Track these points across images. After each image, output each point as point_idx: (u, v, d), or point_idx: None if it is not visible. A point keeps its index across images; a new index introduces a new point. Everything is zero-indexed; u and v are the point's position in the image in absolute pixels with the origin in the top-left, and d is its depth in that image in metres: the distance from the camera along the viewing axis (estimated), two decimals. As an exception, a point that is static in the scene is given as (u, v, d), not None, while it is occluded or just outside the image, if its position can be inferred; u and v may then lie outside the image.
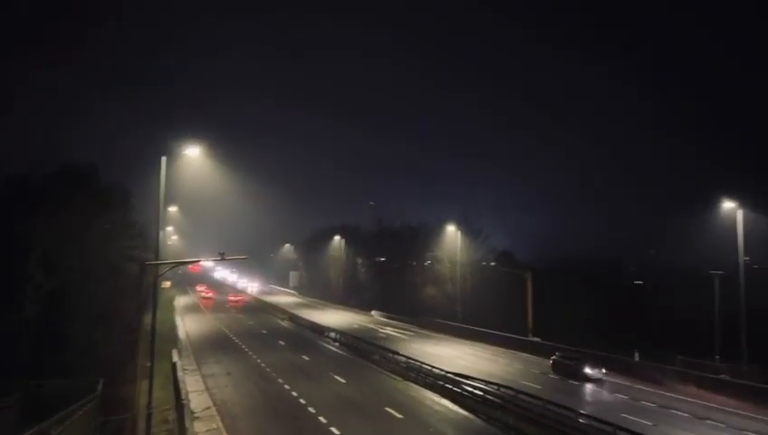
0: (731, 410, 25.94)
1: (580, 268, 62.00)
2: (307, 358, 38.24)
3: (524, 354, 42.45)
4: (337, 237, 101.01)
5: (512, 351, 43.89)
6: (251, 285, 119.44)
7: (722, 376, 31.09)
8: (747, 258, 37.40)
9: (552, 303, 50.89)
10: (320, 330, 52.32)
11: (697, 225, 43.84)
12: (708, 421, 23.79)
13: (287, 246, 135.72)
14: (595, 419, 19.34)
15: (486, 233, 72.50)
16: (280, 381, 29.89)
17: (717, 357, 33.81)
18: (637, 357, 36.23)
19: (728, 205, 35.60)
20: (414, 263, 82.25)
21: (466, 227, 66.31)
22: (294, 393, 26.75)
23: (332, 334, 48.36)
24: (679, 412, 25.17)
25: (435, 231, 70.68)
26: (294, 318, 63.65)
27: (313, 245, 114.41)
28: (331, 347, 44.77)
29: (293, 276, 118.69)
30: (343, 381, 30.30)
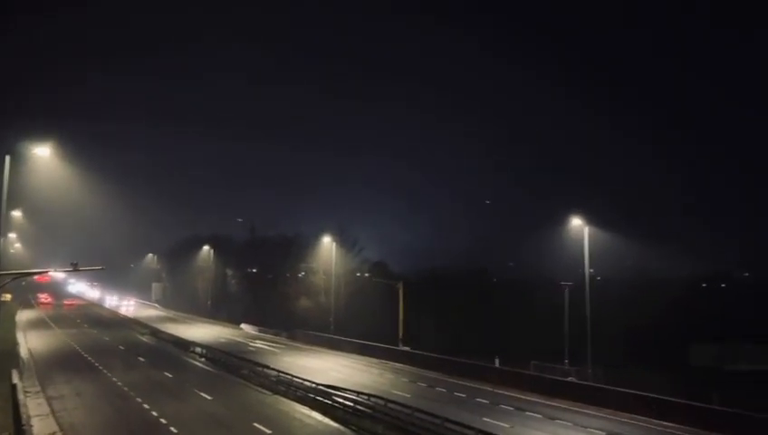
0: (577, 409, 28.37)
1: (448, 279, 64.86)
2: (170, 375, 36.09)
3: (396, 364, 43.39)
4: (206, 247, 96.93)
5: (384, 361, 44.67)
6: (126, 304, 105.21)
7: (570, 378, 34.01)
8: (592, 270, 41.39)
9: (422, 312, 52.69)
10: (184, 345, 49.69)
11: (552, 240, 47.68)
12: (558, 421, 25.80)
13: (150, 256, 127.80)
14: (459, 423, 20.19)
15: (361, 245, 73.53)
16: (139, 400, 27.88)
17: (566, 361, 36.87)
18: (497, 363, 38.46)
19: (576, 222, 39.16)
20: (288, 274, 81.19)
21: (342, 239, 66.78)
22: (155, 413, 25.07)
23: (198, 349, 46.14)
24: (533, 414, 27.06)
25: (310, 242, 70.41)
26: (157, 333, 59.92)
27: (179, 255, 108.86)
28: (197, 363, 42.70)
29: (156, 288, 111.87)
30: (209, 397, 28.96)
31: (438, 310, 55.48)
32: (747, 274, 75.97)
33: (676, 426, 24.84)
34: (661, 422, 25.41)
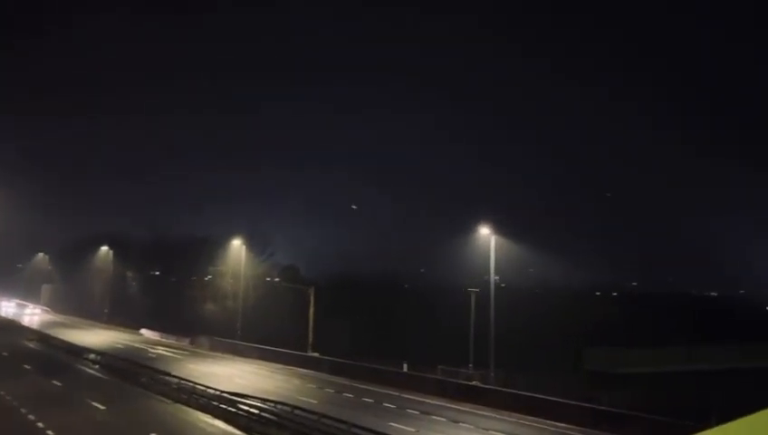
0: (480, 412, 29.33)
1: (359, 284, 65.13)
2: (60, 384, 33.65)
3: (304, 370, 42.90)
4: (104, 248, 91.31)
5: (291, 367, 44.04)
6: (31, 312, 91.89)
7: (474, 382, 35.11)
8: (497, 277, 43.06)
9: (333, 317, 52.50)
10: (77, 351, 46.50)
11: (461, 247, 49.09)
12: (461, 424, 26.57)
13: (41, 255, 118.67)
14: (365, 429, 20.27)
15: (273, 248, 72.26)
16: (24, 411, 25.76)
17: (470, 365, 38.03)
18: (405, 368, 39.00)
19: (485, 231, 40.60)
20: (194, 277, 78.23)
21: (252, 242, 65.30)
22: (41, 425, 23.26)
23: (92, 356, 43.34)
24: (438, 417, 27.68)
25: (219, 245, 68.23)
26: (46, 338, 55.69)
27: (75, 255, 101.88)
28: (91, 370, 40.11)
29: (46, 290, 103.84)
30: (102, 407, 27.28)
31: (349, 315, 55.54)
32: (635, 283, 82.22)
33: (570, 426, 26.30)
34: (555, 423, 26.80)
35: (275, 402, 25.07)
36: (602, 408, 27.23)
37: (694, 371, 35.39)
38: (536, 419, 27.58)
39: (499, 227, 41.89)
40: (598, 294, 71.86)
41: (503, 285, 56.14)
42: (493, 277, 40.32)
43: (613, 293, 73.93)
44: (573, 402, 28.23)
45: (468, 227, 43.32)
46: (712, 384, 34.02)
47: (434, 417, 27.81)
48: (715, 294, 79.57)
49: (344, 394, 33.60)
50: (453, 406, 30.68)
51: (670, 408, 25.29)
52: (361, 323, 54.13)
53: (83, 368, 41.12)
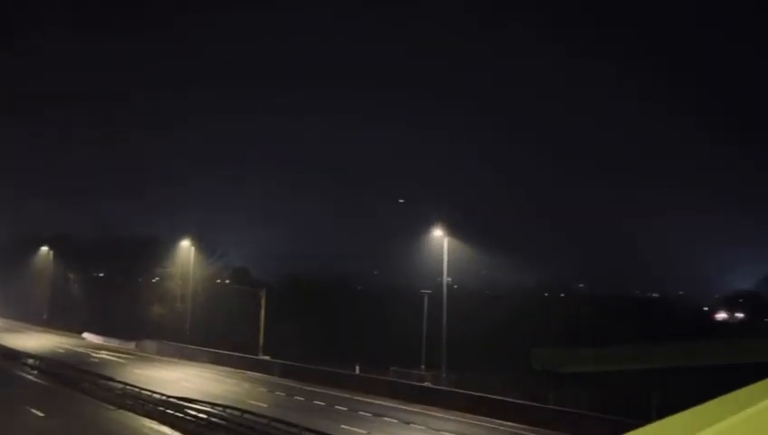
0: (432, 413, 29.52)
1: (312, 286, 64.55)
2: (-6, 390, 32.03)
3: (254, 373, 42.20)
4: (44, 248, 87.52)
5: (241, 370, 43.25)
6: None
7: (425, 383, 35.33)
8: (450, 279, 43.54)
9: (285, 320, 51.85)
10: (14, 356, 44.39)
11: (415, 249, 49.35)
12: (413, 425, 26.67)
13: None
14: (316, 432, 20.12)
15: (224, 249, 70.86)
16: (-48, 421, 24.37)
17: (423, 367, 38.27)
18: (357, 370, 38.88)
19: (438, 233, 40.97)
20: (140, 279, 75.91)
21: (202, 243, 63.87)
22: (-28, 435, 22.05)
23: (31, 361, 41.45)
24: (390, 419, 27.70)
25: (168, 246, 66.40)
26: (-20, 343, 52.92)
27: (14, 256, 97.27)
28: (29, 376, 38.34)
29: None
30: (41, 414, 26.09)
31: (301, 317, 54.98)
32: (582, 284, 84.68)
33: (520, 426, 26.78)
34: (506, 423, 27.24)
35: (224, 407, 24.56)
36: (550, 407, 27.87)
37: (638, 369, 36.54)
38: (487, 419, 27.96)
39: (453, 229, 42.41)
40: (546, 295, 73.56)
41: (455, 286, 56.75)
42: (445, 279, 40.73)
43: (561, 294, 75.85)
44: (522, 402, 28.79)
45: (423, 228, 43.69)
46: (654, 382, 35.29)
47: (386, 418, 27.81)
48: (657, 295, 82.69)
49: (295, 397, 33.22)
50: (405, 407, 30.76)
51: (614, 406, 26.14)
52: (314, 325, 53.65)
53: (21, 374, 39.28)
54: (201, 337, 54.42)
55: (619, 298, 66.27)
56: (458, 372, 37.78)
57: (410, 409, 30.38)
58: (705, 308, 72.00)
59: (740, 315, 66.93)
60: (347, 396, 33.27)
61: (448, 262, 40.92)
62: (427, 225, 42.59)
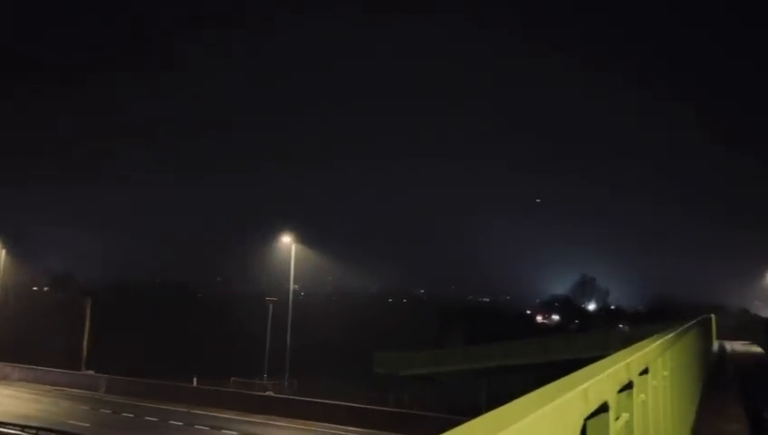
0: (273, 422, 28.89)
1: (147, 293, 60.25)
2: None
3: (77, 390, 38.11)
4: None
5: (62, 388, 38.84)
6: None
7: (268, 393, 34.56)
8: (297, 286, 43.18)
9: (115, 330, 47.68)
10: None
11: (261, 255, 48.32)
12: (254, 436, 25.90)
13: None
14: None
15: (46, 253, 63.45)
16: None
17: (266, 376, 37.43)
18: (195, 382, 36.94)
19: (286, 240, 40.47)
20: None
21: (17, 247, 56.53)
22: None
23: None
24: (229, 431, 26.64)
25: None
26: None
27: None
28: None
29: None
30: None
31: (134, 327, 50.95)
32: (423, 290, 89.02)
33: (360, 430, 27.19)
34: (347, 428, 27.53)
35: (37, 429, 21.91)
36: (389, 409, 28.75)
37: (471, 369, 39.09)
38: (330, 425, 28.01)
39: (302, 237, 42.15)
40: (390, 300, 76.12)
41: (302, 294, 56.48)
42: (292, 286, 40.33)
43: (403, 299, 78.96)
44: (363, 406, 29.32)
45: (271, 236, 42.89)
46: (485, 380, 38.03)
47: (224, 431, 26.69)
48: (488, 300, 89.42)
49: (124, 414, 30.59)
50: (247, 419, 29.77)
51: (448, 404, 27.69)
52: (147, 335, 50.04)
53: None
54: (14, 352, 47.96)
55: (454, 303, 70.65)
56: (304, 379, 37.51)
57: (252, 420, 29.47)
58: (528, 311, 79.46)
59: (556, 318, 74.79)
60: (183, 410, 31.37)
61: (296, 269, 40.59)
62: (275, 232, 41.93)
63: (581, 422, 1.88)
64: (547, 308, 77.70)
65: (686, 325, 8.89)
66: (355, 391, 33.61)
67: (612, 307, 76.25)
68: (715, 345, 24.51)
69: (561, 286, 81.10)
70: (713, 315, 27.29)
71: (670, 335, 5.74)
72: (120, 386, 37.34)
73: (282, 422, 28.79)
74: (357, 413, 28.45)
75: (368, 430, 26.94)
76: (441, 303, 69.08)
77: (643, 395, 3.57)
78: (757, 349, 26.34)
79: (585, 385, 1.93)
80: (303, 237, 43.11)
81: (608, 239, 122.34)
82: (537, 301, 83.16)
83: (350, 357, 46.10)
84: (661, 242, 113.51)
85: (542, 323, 73.20)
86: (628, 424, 2.95)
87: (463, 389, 37.84)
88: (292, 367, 37.90)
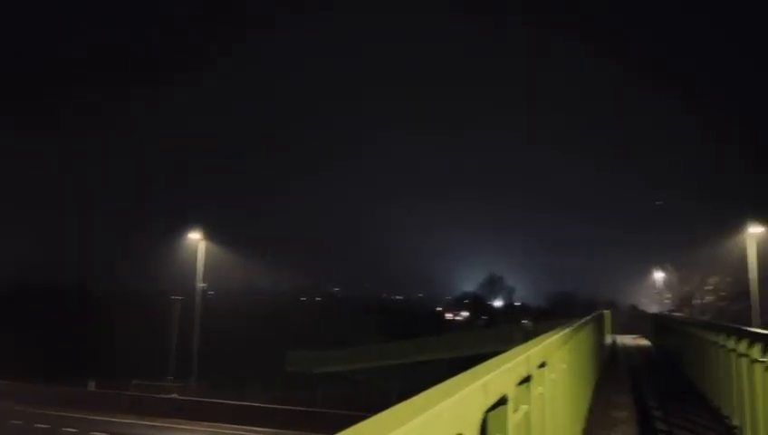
0: (178, 426, 27.81)
1: (39, 293, 56.05)
2: None
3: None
4: None
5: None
6: None
7: (173, 395, 33.16)
8: (205, 284, 41.74)
9: (6, 332, 44.00)
10: None
11: (168, 252, 46.23)
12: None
13: None
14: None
15: None
16: None
17: (171, 378, 35.91)
18: (93, 386, 34.88)
19: (194, 236, 39.02)
20: None
21: None
22: None
23: None
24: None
25: None
26: None
27: None
28: None
29: None
30: None
31: (24, 328, 47.20)
32: (338, 289, 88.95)
33: (268, 430, 26.78)
34: (254, 428, 27.01)
35: None
36: (298, 408, 28.49)
37: (384, 366, 39.49)
38: (237, 426, 27.36)
39: (212, 235, 40.83)
40: (304, 299, 75.41)
41: (210, 292, 54.65)
42: (200, 284, 38.96)
43: (317, 298, 78.49)
44: (272, 406, 28.87)
45: (179, 233, 41.15)
46: (398, 377, 38.53)
47: (125, 437, 25.39)
48: (401, 298, 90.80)
49: (11, 422, 28.28)
50: (149, 423, 28.43)
51: (360, 401, 27.79)
52: (40, 337, 46.58)
53: None
54: None
55: (369, 301, 71.13)
56: (212, 379, 36.34)
57: (155, 424, 28.20)
58: (439, 308, 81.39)
59: (465, 314, 77.07)
60: (79, 416, 29.47)
61: (204, 267, 39.26)
62: (184, 229, 40.29)
63: (482, 415, 1.92)
64: (457, 305, 79.95)
65: (582, 321, 9.42)
66: (265, 391, 33.01)
67: (517, 304, 79.64)
68: (609, 339, 26.21)
69: (470, 284, 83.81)
70: (607, 311, 29.22)
71: (568, 330, 6.05)
72: (8, 391, 34.49)
73: (187, 426, 27.77)
74: (266, 413, 27.98)
75: (276, 430, 26.55)
76: (356, 301, 69.28)
77: (541, 387, 3.73)
78: (645, 342, 28.44)
79: (485, 379, 1.97)
80: (214, 236, 41.84)
81: (515, 240, 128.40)
82: (448, 298, 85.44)
83: (262, 356, 45.20)
84: (563, 244, 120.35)
85: (452, 320, 75.19)
86: (527, 415, 3.07)
87: (376, 386, 38.13)
88: (199, 368, 36.62)
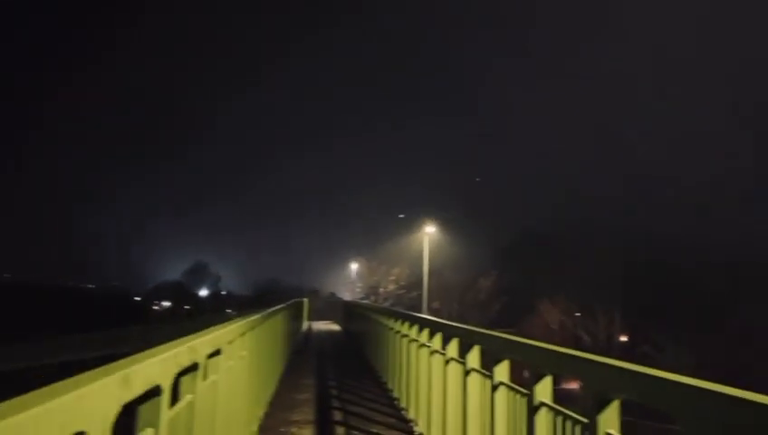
0: None
1: None
2: None
3: None
4: None
5: None
6: None
7: None
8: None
9: None
10: None
11: None
12: None
13: None
14: None
15: None
16: None
17: None
18: None
19: None
20: None
21: None
22: None
23: None
24: None
25: None
26: None
27: None
28: None
29: None
30: None
31: None
32: (9, 275, 75.69)
33: None
34: None
35: None
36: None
37: (66, 361, 34.85)
38: None
39: None
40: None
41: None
42: None
43: None
44: None
45: None
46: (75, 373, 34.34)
47: None
48: (93, 286, 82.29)
49: None
50: None
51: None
52: None
53: None
54: None
55: (47, 289, 62.38)
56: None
57: None
58: (138, 298, 75.77)
59: (167, 303, 73.30)
60: None
61: None
62: None
63: (119, 408, 1.84)
64: (157, 294, 75.60)
65: (276, 308, 9.83)
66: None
67: (223, 292, 78.92)
68: (305, 325, 27.88)
69: (174, 272, 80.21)
70: (305, 299, 31.00)
71: (254, 317, 6.23)
72: None
73: None
74: None
75: None
76: (30, 288, 59.93)
77: (214, 376, 3.76)
78: (336, 327, 30.95)
79: (126, 371, 1.89)
80: None
81: (221, 226, 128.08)
82: (149, 286, 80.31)
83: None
84: (270, 233, 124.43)
85: (154, 310, 71.02)
86: (191, 405, 3.05)
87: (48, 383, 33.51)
88: None
